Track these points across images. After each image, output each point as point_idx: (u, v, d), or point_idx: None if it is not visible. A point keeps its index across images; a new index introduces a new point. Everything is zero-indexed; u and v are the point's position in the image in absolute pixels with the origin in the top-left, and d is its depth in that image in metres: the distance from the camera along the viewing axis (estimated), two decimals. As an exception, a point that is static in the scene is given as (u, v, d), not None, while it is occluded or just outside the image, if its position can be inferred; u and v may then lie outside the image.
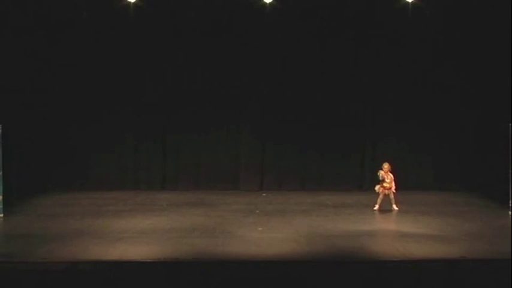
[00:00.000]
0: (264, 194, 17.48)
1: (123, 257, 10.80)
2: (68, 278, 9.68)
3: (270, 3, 16.70)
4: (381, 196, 14.81)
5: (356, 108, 18.16)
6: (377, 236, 12.41)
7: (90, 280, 9.76)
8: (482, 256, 10.82)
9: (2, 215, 14.13)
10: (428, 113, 17.89)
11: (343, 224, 13.48)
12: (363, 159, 18.21)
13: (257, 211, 14.96)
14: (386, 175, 14.69)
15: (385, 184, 14.68)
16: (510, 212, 14.27)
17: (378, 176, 14.75)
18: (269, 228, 13.11)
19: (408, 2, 16.63)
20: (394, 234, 13.06)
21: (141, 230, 12.88)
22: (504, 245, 11.30)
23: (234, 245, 11.62)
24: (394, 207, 14.82)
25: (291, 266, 10.40)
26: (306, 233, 12.54)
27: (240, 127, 18.10)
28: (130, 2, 16.59)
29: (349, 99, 18.09)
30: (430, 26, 17.40)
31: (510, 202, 14.35)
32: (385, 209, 14.85)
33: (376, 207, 14.85)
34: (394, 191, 14.78)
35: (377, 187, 14.79)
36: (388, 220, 14.31)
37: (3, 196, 14.21)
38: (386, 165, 14.77)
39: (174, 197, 16.90)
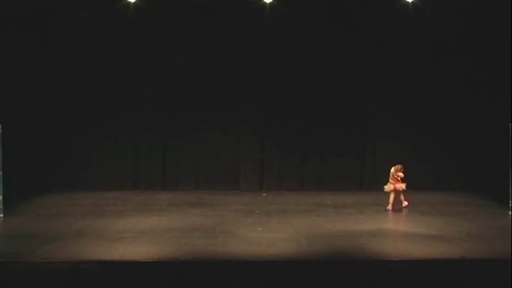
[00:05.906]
0: (264, 194, 17.48)
1: (123, 257, 10.80)
2: (68, 278, 9.67)
3: (270, 3, 16.70)
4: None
5: (356, 108, 18.17)
6: (377, 236, 12.39)
7: (90, 280, 9.75)
8: (482, 256, 10.83)
9: (2, 215, 14.13)
10: (429, 113, 17.89)
11: (343, 224, 13.48)
12: (363, 159, 18.22)
13: (257, 211, 14.96)
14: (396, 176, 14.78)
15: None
16: (510, 212, 14.27)
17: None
18: (269, 228, 13.10)
19: (408, 2, 16.63)
20: (394, 234, 13.06)
21: (141, 230, 12.88)
22: (504, 245, 11.30)
23: (234, 245, 11.62)
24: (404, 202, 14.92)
25: (291, 266, 10.39)
26: (306, 233, 12.54)
27: (240, 127, 18.09)
28: (130, 2, 16.59)
29: (349, 99, 18.10)
30: (430, 26, 17.39)
31: (510, 202, 14.35)
32: (384, 209, 14.86)
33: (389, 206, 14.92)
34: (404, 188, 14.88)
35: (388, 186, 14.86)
36: (388, 220, 14.30)
37: (3, 196, 14.21)
38: (393, 169, 14.85)
39: (174, 197, 16.91)
